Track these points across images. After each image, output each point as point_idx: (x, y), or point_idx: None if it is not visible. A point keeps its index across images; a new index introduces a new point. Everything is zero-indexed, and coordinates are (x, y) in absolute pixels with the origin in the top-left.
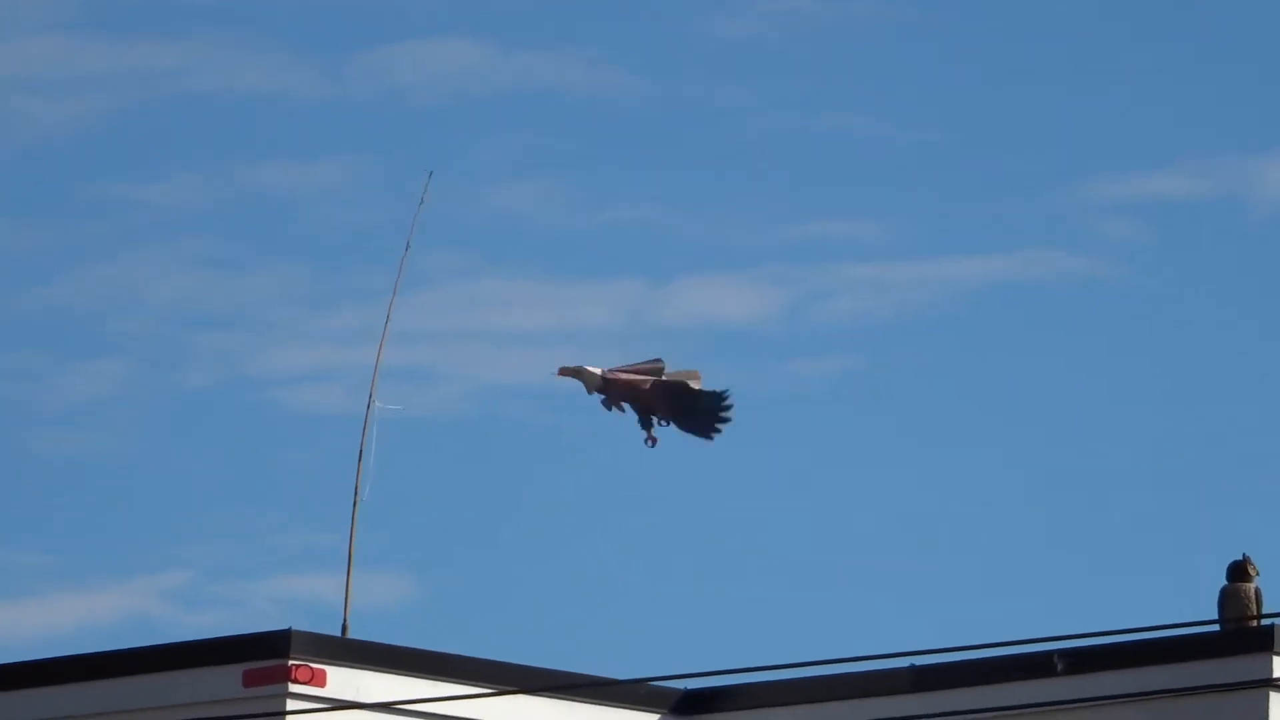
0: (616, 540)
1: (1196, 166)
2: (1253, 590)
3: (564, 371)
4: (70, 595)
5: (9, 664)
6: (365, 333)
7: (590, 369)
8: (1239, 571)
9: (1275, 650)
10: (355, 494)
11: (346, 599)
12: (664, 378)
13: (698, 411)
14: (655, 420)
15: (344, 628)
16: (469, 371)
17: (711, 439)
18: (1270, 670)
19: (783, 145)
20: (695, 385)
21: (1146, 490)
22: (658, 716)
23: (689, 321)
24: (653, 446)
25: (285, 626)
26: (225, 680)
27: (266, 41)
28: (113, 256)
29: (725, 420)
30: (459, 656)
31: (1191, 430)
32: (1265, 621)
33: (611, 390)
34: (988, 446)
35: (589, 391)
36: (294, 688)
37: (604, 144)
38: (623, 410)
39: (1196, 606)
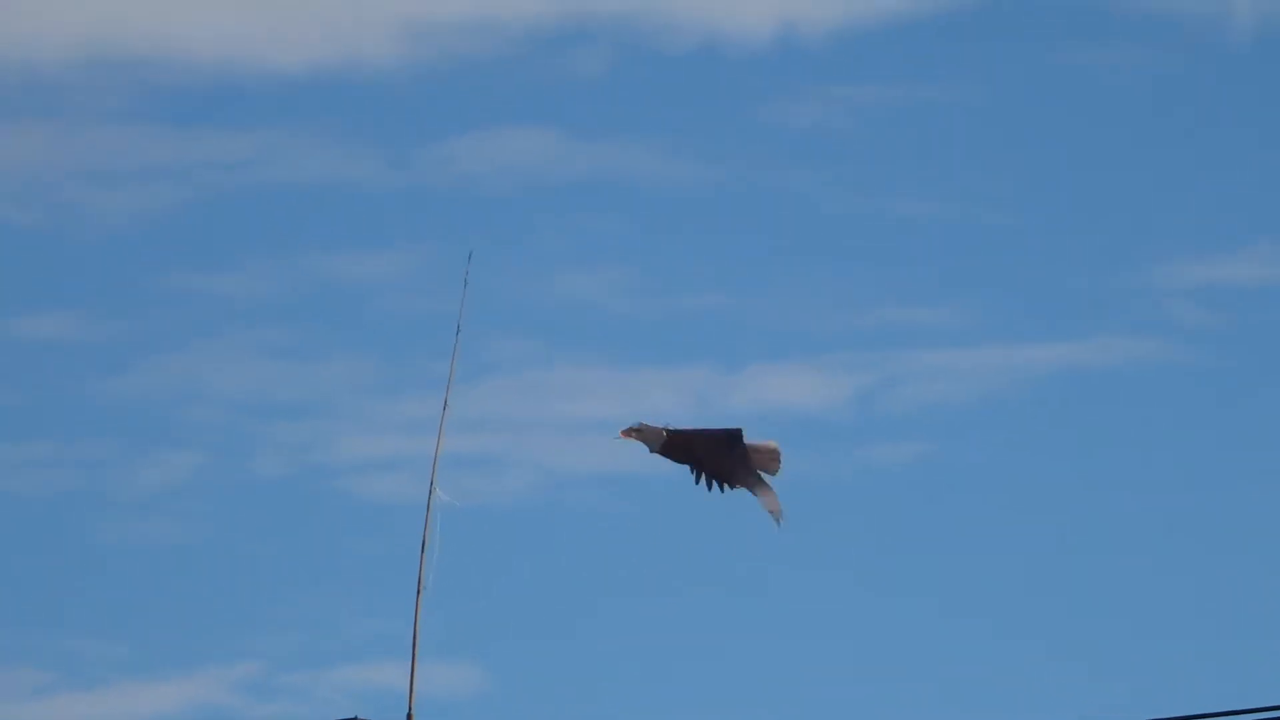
0: (684, 629)
1: (1272, 252)
2: None
3: (627, 433)
4: (141, 686)
5: None
6: (432, 421)
7: (654, 426)
8: None
9: None
10: (419, 583)
11: (411, 688)
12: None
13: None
14: (714, 482)
15: (409, 716)
16: (537, 459)
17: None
18: None
19: (852, 231)
20: (774, 466)
21: (1215, 570)
22: None
23: (758, 408)
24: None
25: (352, 715)
26: None
27: (335, 132)
28: (183, 347)
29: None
30: None
31: (1262, 512)
32: None
33: (674, 446)
34: (1058, 532)
35: (650, 450)
36: None
37: (673, 231)
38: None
39: (1273, 689)
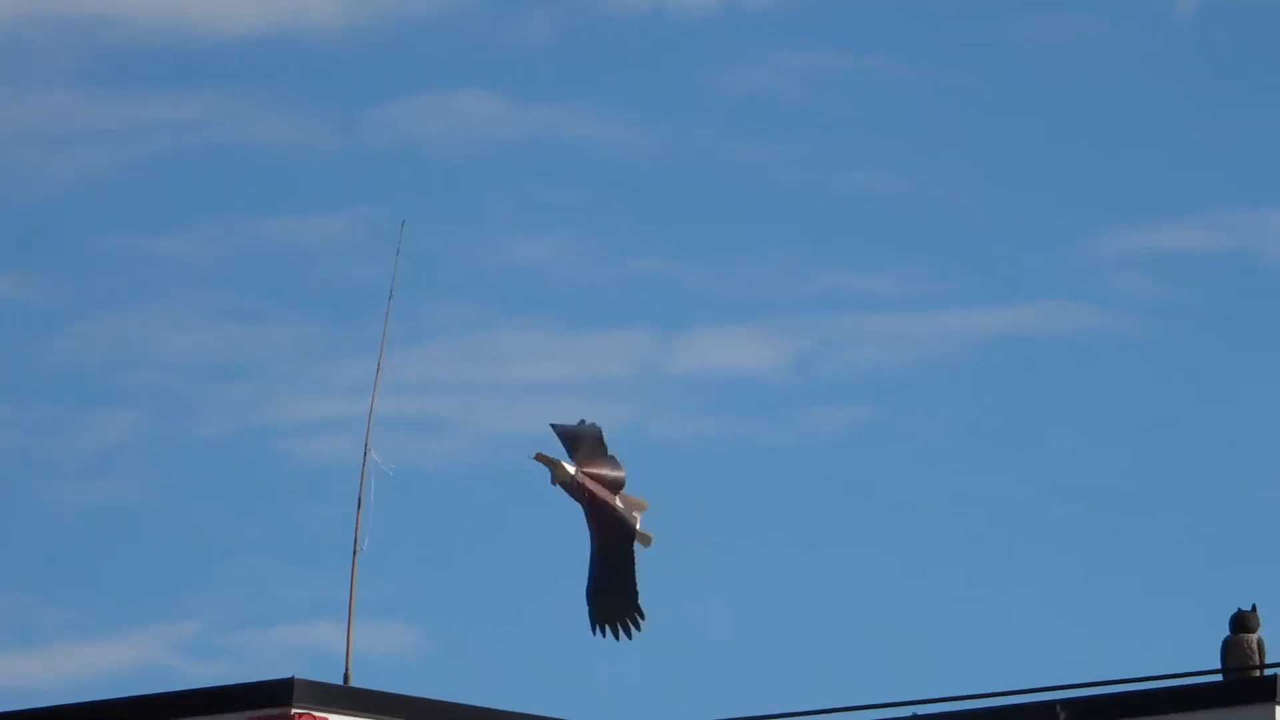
0: None
1: (1212, 220)
2: (1255, 641)
3: (539, 458)
4: (82, 645)
5: (21, 711)
6: (379, 384)
7: (565, 465)
8: (1242, 623)
9: (1277, 700)
10: (355, 545)
11: (348, 648)
12: (619, 506)
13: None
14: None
15: (346, 676)
16: (481, 423)
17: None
18: (1273, 719)
19: (796, 198)
20: (645, 540)
21: (1151, 539)
22: None
23: (701, 372)
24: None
25: (289, 675)
26: None
27: (280, 95)
28: (127, 308)
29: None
30: (461, 705)
31: (1201, 480)
32: (1268, 672)
33: (575, 493)
34: (996, 496)
35: (552, 482)
36: None
37: (618, 197)
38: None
39: (1199, 657)
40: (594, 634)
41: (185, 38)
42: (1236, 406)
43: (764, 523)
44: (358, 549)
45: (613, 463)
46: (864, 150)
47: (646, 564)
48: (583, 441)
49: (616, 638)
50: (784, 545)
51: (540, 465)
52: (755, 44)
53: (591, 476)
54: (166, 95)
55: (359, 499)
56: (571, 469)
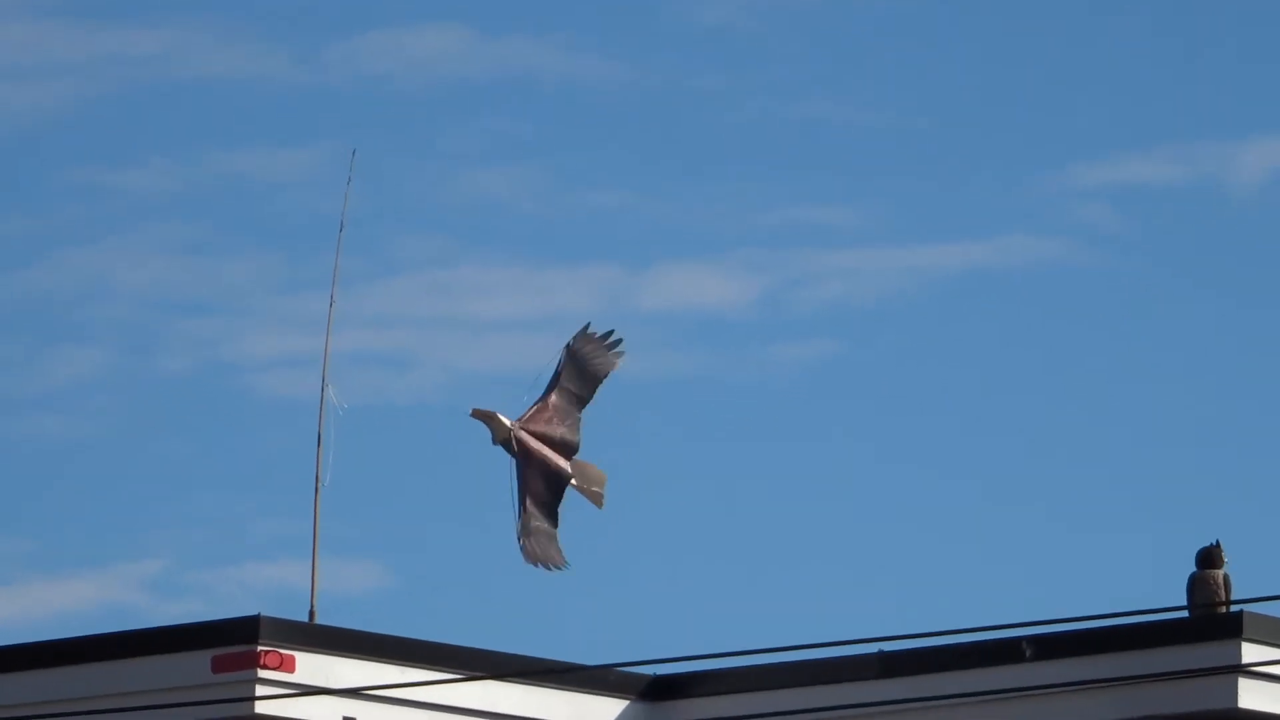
0: (586, 528)
1: (1174, 152)
2: (1221, 577)
3: (476, 414)
4: (46, 583)
5: None
6: (344, 319)
7: (501, 419)
8: (1209, 558)
9: (1244, 636)
10: (317, 481)
11: (313, 585)
12: (572, 480)
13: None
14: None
15: (311, 614)
16: (444, 358)
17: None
18: (1239, 656)
19: (760, 131)
20: (599, 496)
21: (1118, 475)
22: (626, 702)
23: (666, 307)
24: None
25: (254, 613)
26: (195, 666)
27: (243, 29)
28: (88, 243)
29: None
30: (428, 643)
31: (1165, 416)
32: (1234, 608)
33: (522, 443)
34: (961, 433)
35: (494, 442)
36: (263, 673)
37: (581, 130)
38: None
39: (1166, 592)
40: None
41: None
42: (1200, 336)
43: (732, 457)
44: (320, 485)
45: (569, 427)
46: (825, 84)
47: (618, 501)
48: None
49: (545, 565)
50: (751, 480)
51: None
52: None
53: (535, 435)
54: (125, 29)
55: (319, 435)
56: (508, 423)
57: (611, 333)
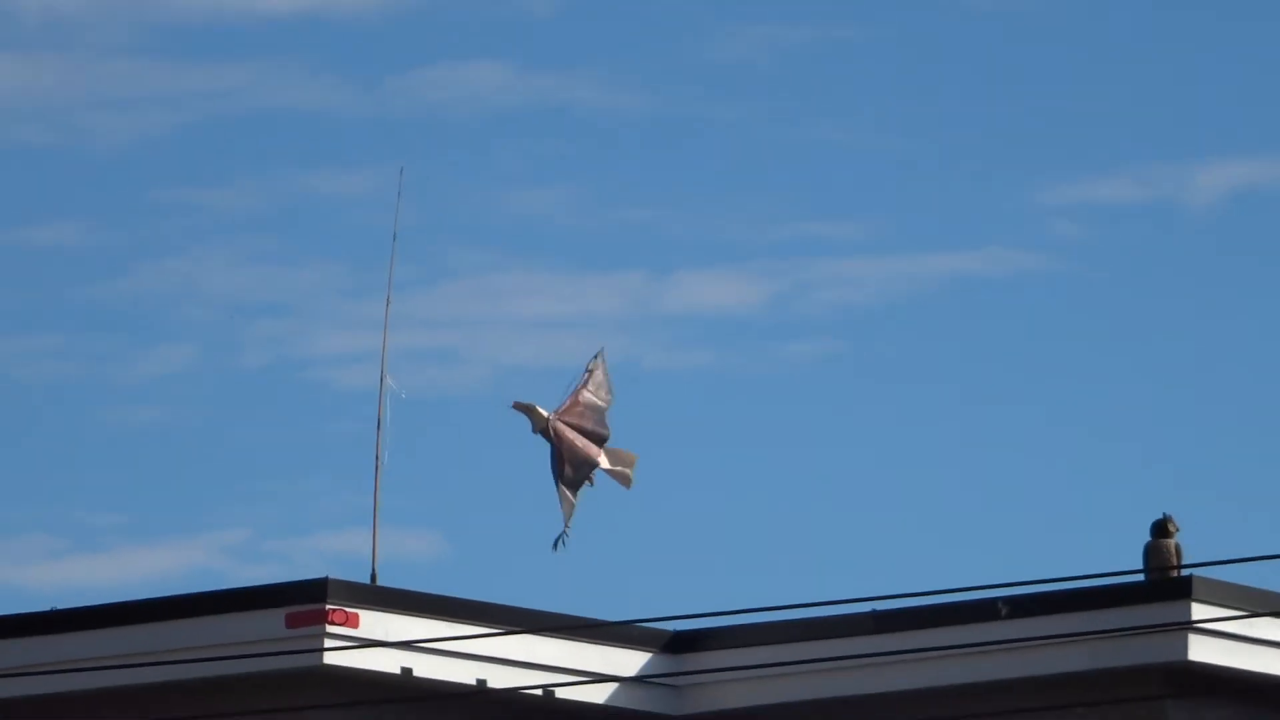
0: (617, 499)
1: (1135, 175)
2: (1173, 545)
3: (517, 406)
4: (141, 550)
5: (86, 607)
6: (398, 319)
7: (540, 410)
8: (1161, 529)
9: (1193, 597)
10: (377, 460)
11: (374, 552)
12: (604, 464)
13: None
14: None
15: (373, 576)
16: (490, 354)
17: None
18: (1189, 614)
19: (770, 154)
20: (628, 476)
21: (1083, 457)
22: (650, 655)
23: (686, 309)
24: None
25: (323, 576)
26: (271, 623)
27: (314, 65)
28: (180, 253)
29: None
30: (474, 602)
31: (1126, 407)
32: (1184, 572)
33: (559, 432)
34: (949, 420)
35: (533, 430)
36: (330, 629)
37: (611, 153)
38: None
39: (1124, 559)
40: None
41: (230, 14)
42: (1156, 339)
43: (745, 441)
44: (379, 464)
45: (598, 421)
46: (828, 113)
47: (645, 477)
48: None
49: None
50: (762, 460)
51: (578, 361)
52: (731, 20)
53: (571, 425)
54: (213, 65)
55: (379, 420)
56: (546, 414)
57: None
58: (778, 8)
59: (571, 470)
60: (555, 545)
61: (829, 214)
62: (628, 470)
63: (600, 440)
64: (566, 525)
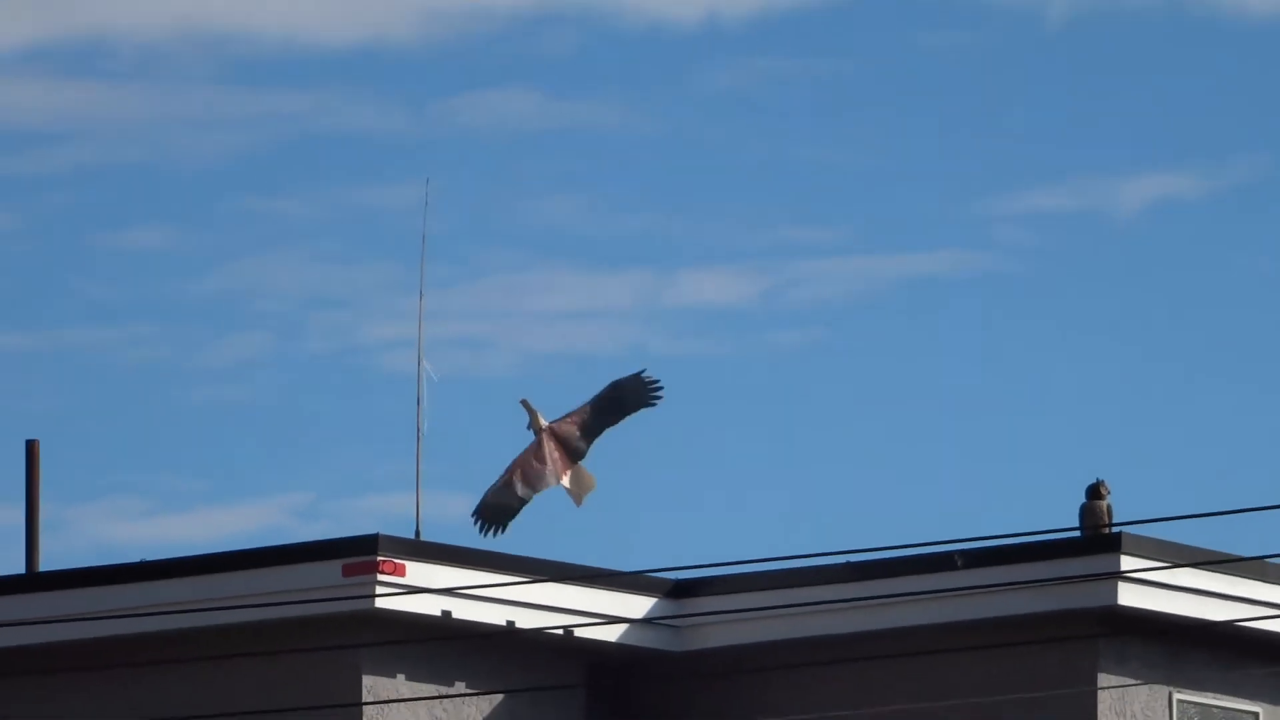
0: (623, 465)
1: (1070, 187)
2: (1105, 506)
3: (524, 403)
4: (219, 510)
5: (173, 559)
6: (442, 312)
7: (540, 417)
8: (1095, 492)
9: (1122, 550)
10: (418, 432)
11: (417, 512)
12: (565, 483)
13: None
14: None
15: (417, 532)
16: (515, 342)
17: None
18: (1118, 565)
19: (758, 169)
20: (580, 497)
21: (1029, 429)
22: (655, 599)
23: (687, 303)
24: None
25: (374, 532)
26: (329, 572)
27: (368, 92)
28: (254, 253)
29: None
30: (504, 554)
31: (1063, 388)
32: (1114, 529)
33: (543, 439)
34: (912, 394)
35: (527, 427)
36: (381, 577)
37: (622, 167)
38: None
39: (1063, 518)
40: (475, 522)
41: (297, 47)
42: (1089, 328)
43: (738, 416)
44: (420, 436)
45: (585, 439)
46: (808, 133)
47: (652, 448)
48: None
49: (487, 529)
50: (753, 433)
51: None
52: (725, 55)
53: (555, 435)
54: (282, 92)
55: (418, 397)
56: (544, 422)
57: (658, 381)
58: (765, 45)
59: (524, 484)
60: (476, 514)
61: (809, 221)
62: (583, 493)
63: (576, 455)
64: (489, 512)
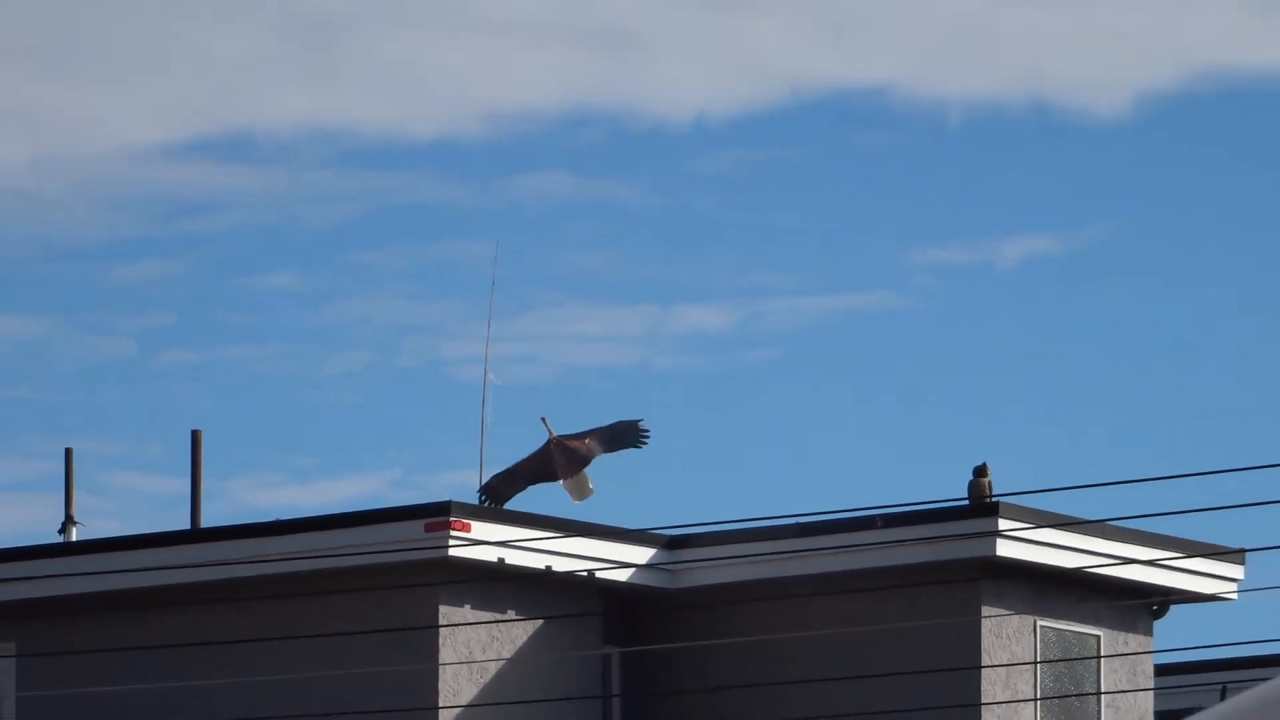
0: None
1: (966, 243)
2: (986, 483)
3: (544, 420)
4: (331, 482)
5: (295, 519)
6: (500, 336)
7: (551, 431)
8: (980, 472)
9: (999, 515)
10: (481, 426)
11: (480, 482)
12: (565, 484)
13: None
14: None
15: (479, 499)
16: (556, 358)
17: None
18: (996, 526)
19: (736, 231)
20: (575, 495)
21: (930, 425)
22: (655, 550)
23: (681, 330)
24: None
25: (448, 499)
26: (414, 529)
27: (442, 174)
28: (359, 294)
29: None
30: (543, 515)
31: (964, 393)
32: (993, 499)
33: (556, 450)
34: (854, 399)
35: (547, 436)
36: (453, 534)
37: (633, 229)
38: (552, 449)
39: (957, 490)
40: (480, 496)
41: (391, 139)
42: (978, 352)
43: (721, 414)
44: (484, 429)
45: (585, 455)
46: (773, 203)
47: (660, 434)
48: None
49: (487, 503)
50: (733, 423)
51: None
52: (711, 145)
53: (562, 446)
54: (381, 173)
55: (483, 398)
56: (553, 435)
57: (648, 431)
58: (740, 138)
59: (524, 479)
60: (481, 495)
61: (774, 269)
62: (582, 496)
63: (581, 462)
64: (495, 481)
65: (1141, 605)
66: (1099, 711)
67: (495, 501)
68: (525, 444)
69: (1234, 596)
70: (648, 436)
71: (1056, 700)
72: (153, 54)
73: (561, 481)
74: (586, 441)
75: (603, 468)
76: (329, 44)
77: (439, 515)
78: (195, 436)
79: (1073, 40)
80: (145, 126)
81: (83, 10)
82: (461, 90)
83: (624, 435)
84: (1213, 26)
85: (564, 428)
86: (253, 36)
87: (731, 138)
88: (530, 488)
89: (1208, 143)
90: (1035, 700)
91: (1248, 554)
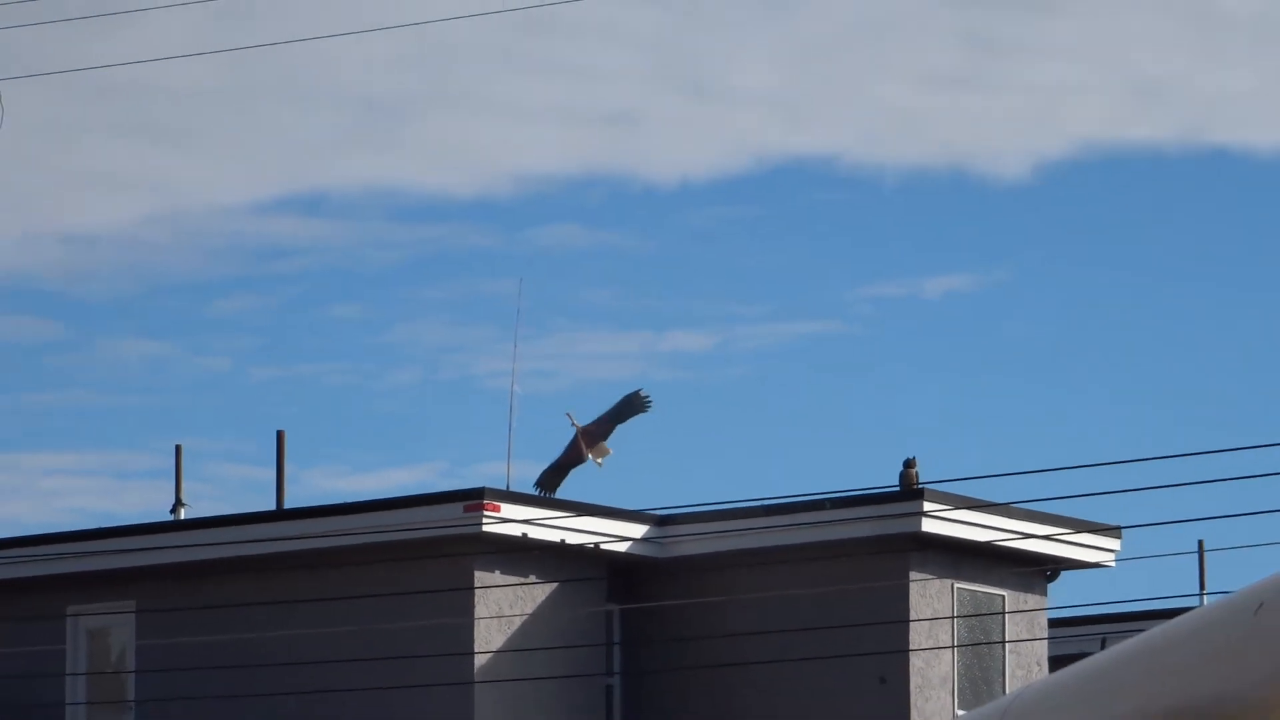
0: (637, 441)
1: (898, 280)
2: (914, 473)
3: (568, 414)
4: (389, 472)
5: (358, 500)
6: (524, 355)
7: (576, 423)
8: (908, 464)
9: (925, 499)
10: (509, 426)
11: (508, 473)
12: (590, 456)
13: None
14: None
15: (508, 485)
16: (573, 373)
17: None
18: (921, 508)
19: (711, 273)
20: (598, 460)
21: (867, 426)
22: (648, 525)
23: (671, 350)
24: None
25: (481, 485)
26: (455, 510)
27: (481, 231)
28: (409, 322)
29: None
30: (558, 498)
31: (896, 402)
32: (920, 486)
33: (578, 437)
34: (808, 406)
35: (570, 427)
36: (486, 514)
37: (633, 272)
38: (577, 439)
39: (890, 478)
40: (536, 488)
41: (434, 194)
42: (907, 371)
43: (704, 415)
44: (511, 429)
45: (604, 432)
46: (744, 248)
47: (655, 432)
48: (601, 425)
49: (543, 492)
50: (713, 420)
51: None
52: (693, 202)
53: (586, 433)
54: (429, 227)
55: (510, 404)
56: (576, 425)
57: (649, 397)
58: (717, 197)
59: (564, 468)
60: (540, 484)
61: (747, 301)
62: (600, 457)
63: (602, 437)
64: (545, 476)
65: (1038, 571)
66: (1004, 657)
67: (547, 491)
68: (545, 442)
69: (1113, 564)
70: (650, 401)
71: (970, 647)
72: (247, 130)
73: (591, 460)
74: (602, 419)
75: (608, 463)
76: (388, 122)
77: (474, 499)
78: (279, 436)
79: (984, 119)
80: (239, 188)
81: (191, 94)
82: (494, 159)
83: (631, 405)
84: (1097, 109)
85: (579, 421)
86: (327, 116)
87: (710, 196)
88: (571, 473)
89: (1094, 201)
90: (953, 647)
91: (1123, 530)
